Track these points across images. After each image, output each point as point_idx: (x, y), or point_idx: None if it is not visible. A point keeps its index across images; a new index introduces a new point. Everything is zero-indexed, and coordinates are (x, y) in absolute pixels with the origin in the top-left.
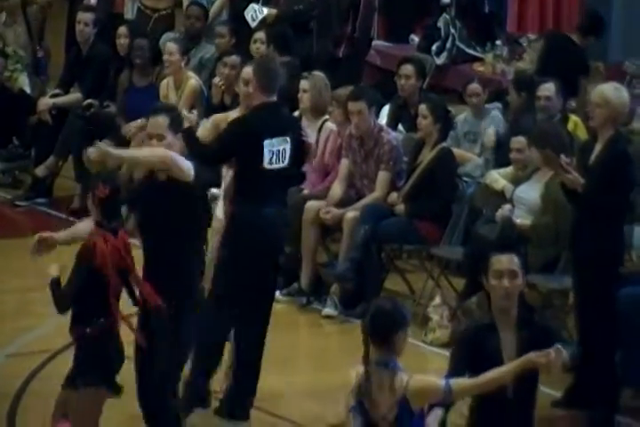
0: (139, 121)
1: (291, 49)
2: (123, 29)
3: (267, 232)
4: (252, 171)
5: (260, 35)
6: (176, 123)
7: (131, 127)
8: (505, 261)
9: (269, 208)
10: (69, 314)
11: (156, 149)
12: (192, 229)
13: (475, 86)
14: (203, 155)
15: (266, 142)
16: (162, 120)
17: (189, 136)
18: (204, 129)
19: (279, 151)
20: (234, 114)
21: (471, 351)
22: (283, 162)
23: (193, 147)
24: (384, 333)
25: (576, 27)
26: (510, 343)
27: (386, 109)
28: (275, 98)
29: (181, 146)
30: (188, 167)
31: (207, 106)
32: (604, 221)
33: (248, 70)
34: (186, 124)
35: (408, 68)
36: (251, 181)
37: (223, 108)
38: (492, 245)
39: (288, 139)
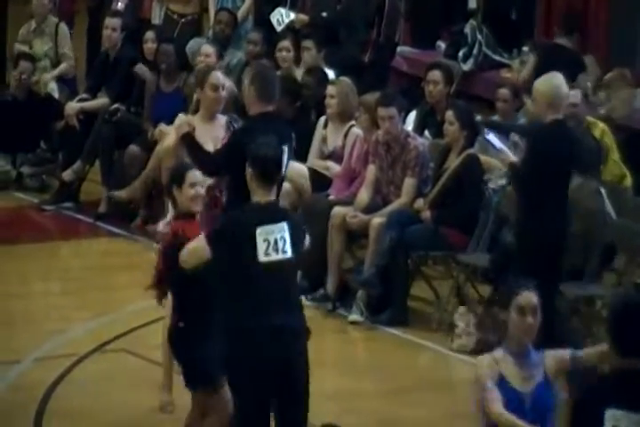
0: (163, 125)
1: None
2: (150, 34)
3: None
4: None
5: (285, 43)
6: None
7: (157, 132)
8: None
9: None
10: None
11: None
12: None
13: (504, 91)
14: (203, 162)
15: None
16: None
17: (190, 142)
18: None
19: None
20: (195, 119)
21: None
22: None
23: (194, 153)
24: None
25: (559, 29)
26: None
27: (412, 115)
28: (272, 107)
29: None
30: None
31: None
32: (539, 202)
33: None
34: (185, 129)
35: (436, 74)
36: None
37: None
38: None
39: (286, 148)
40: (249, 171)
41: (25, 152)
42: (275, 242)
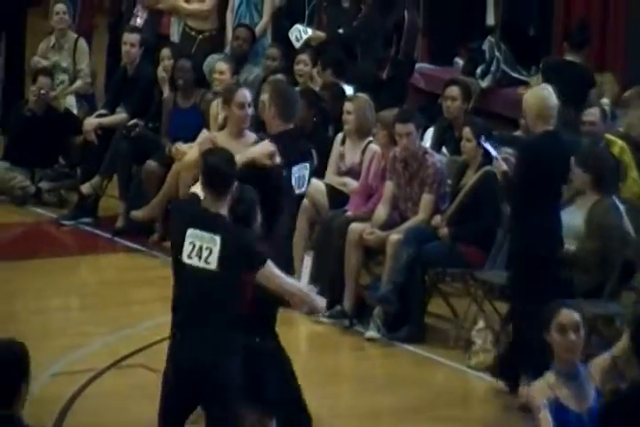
0: (181, 144)
1: (346, 73)
2: (166, 51)
3: None
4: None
5: (304, 56)
6: None
7: (173, 150)
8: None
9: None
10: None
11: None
12: None
13: None
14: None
15: (293, 169)
16: None
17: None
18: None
19: (299, 177)
20: (221, 136)
21: None
22: (302, 188)
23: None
24: None
25: (568, 44)
26: None
27: (429, 132)
28: (292, 125)
29: None
30: None
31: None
32: (529, 213)
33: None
34: (207, 145)
35: (454, 90)
36: (280, 210)
37: None
38: None
39: (307, 165)
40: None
41: (43, 167)
42: (200, 249)
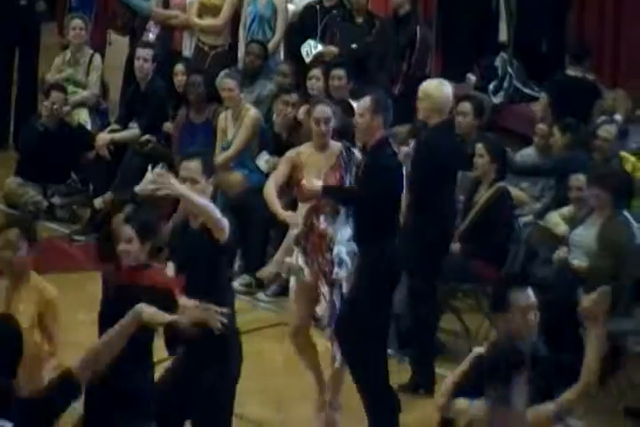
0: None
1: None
2: (179, 67)
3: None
4: (395, 202)
5: (316, 72)
6: (209, 167)
7: None
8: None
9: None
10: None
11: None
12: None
13: (542, 127)
14: (360, 198)
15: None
16: (195, 164)
17: (331, 190)
18: (282, 169)
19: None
20: (304, 149)
21: None
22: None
23: (344, 196)
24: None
25: (569, 58)
26: None
27: None
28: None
29: (211, 191)
30: (226, 228)
31: (265, 140)
32: (429, 200)
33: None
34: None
35: (466, 106)
36: (391, 213)
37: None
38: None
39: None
40: None
41: (56, 183)
42: None
